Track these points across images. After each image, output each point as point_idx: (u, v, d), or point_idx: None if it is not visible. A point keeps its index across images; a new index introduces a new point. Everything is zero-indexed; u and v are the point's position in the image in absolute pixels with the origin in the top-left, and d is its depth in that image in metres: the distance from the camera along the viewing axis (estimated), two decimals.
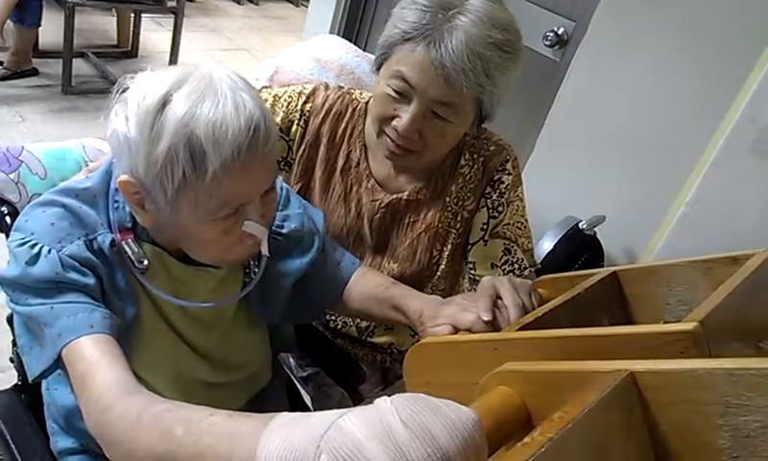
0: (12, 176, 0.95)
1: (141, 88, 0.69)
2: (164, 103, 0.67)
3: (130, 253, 0.77)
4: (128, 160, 0.70)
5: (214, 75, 0.70)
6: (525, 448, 0.39)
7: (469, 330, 0.75)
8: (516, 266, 1.07)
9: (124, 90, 0.71)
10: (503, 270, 1.06)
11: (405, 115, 0.95)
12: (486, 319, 0.74)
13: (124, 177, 0.71)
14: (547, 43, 1.89)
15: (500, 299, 0.77)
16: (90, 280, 0.72)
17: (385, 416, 0.41)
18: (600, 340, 0.54)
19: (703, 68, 1.55)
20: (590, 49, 1.76)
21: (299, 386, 1.26)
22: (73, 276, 0.71)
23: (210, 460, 0.50)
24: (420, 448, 0.39)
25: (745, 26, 1.47)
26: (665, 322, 0.73)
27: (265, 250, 0.80)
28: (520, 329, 0.68)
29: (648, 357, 0.47)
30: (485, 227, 1.08)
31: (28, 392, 0.95)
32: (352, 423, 0.41)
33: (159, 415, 0.56)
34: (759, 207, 1.42)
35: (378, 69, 1.01)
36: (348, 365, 1.18)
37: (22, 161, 0.97)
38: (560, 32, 1.88)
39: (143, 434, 0.56)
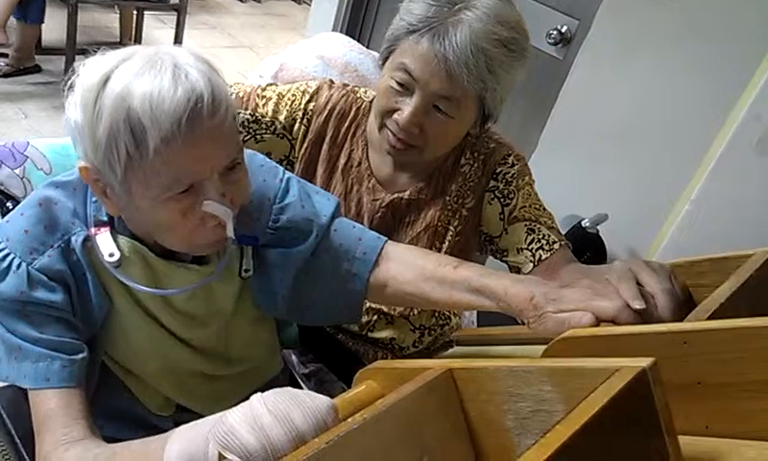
0: (17, 171, 0.95)
1: (87, 71, 0.68)
2: (105, 81, 0.65)
3: (101, 247, 0.75)
4: (81, 146, 0.69)
5: (160, 51, 0.68)
6: (344, 425, 0.50)
7: (613, 321, 0.64)
8: (545, 242, 1.02)
9: (77, 76, 0.69)
10: (531, 250, 1.02)
11: (407, 108, 0.95)
12: (638, 307, 0.64)
13: (82, 163, 0.70)
14: (551, 41, 1.89)
15: (640, 285, 0.68)
16: (58, 296, 0.73)
17: (255, 406, 0.53)
18: None
19: (707, 66, 1.55)
20: (594, 47, 1.75)
21: (301, 383, 1.26)
22: (39, 294, 0.72)
23: None
24: (280, 428, 0.51)
25: (750, 25, 1.47)
26: None
27: (230, 232, 0.73)
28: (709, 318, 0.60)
29: None
30: (502, 216, 1.06)
31: None
32: (231, 414, 0.53)
33: (92, 459, 0.67)
34: (764, 206, 1.42)
35: (384, 63, 1.01)
36: (350, 361, 1.17)
37: (27, 157, 0.97)
38: (563, 30, 1.88)
39: None
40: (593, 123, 1.81)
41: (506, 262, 1.08)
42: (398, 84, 0.95)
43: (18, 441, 0.86)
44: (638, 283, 0.68)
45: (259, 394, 0.55)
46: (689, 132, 1.60)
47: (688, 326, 0.58)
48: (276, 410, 0.52)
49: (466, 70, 0.90)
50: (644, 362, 0.44)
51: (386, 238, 0.90)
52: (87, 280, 0.76)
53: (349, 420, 0.51)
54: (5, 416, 0.89)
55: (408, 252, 0.89)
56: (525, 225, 1.04)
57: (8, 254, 0.72)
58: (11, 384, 0.96)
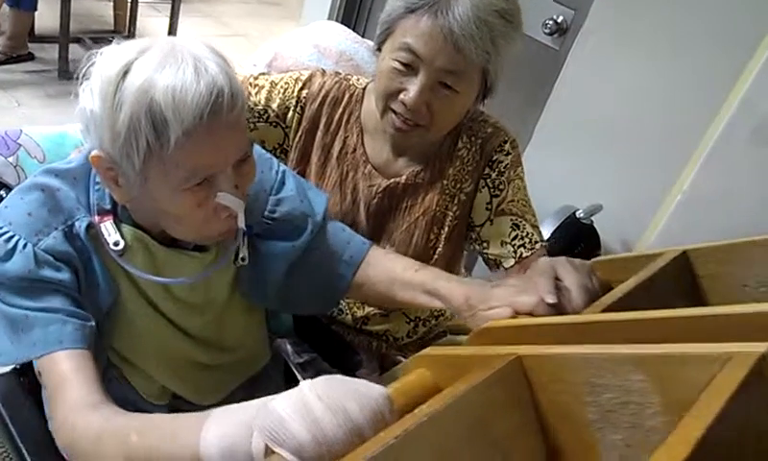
0: (10, 159, 0.95)
1: (105, 61, 0.68)
2: (125, 72, 0.66)
3: (105, 235, 0.76)
4: (96, 135, 0.70)
5: (177, 43, 0.69)
6: (412, 417, 0.44)
7: (531, 314, 0.69)
8: (527, 240, 1.05)
9: (92, 65, 0.70)
10: (513, 246, 1.05)
11: (413, 88, 0.95)
12: (550, 301, 0.68)
13: (95, 152, 0.70)
14: (547, 31, 1.89)
15: (559, 280, 0.72)
16: (65, 275, 0.73)
17: (305, 395, 0.47)
18: (698, 321, 0.51)
19: (702, 57, 1.55)
20: (590, 37, 1.75)
21: (296, 372, 1.26)
22: (46, 273, 0.71)
23: (159, 458, 0.56)
24: (334, 419, 0.46)
25: (744, 15, 1.47)
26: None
27: (242, 223, 0.76)
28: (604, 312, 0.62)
29: (747, 340, 0.44)
30: (489, 206, 1.07)
31: (27, 375, 0.95)
32: (278, 403, 0.48)
33: (117, 428, 0.63)
34: (757, 196, 1.43)
35: (380, 47, 1.01)
36: (345, 351, 1.18)
37: (21, 145, 0.96)
38: (559, 20, 1.88)
39: (104, 447, 0.62)
40: (588, 113, 1.81)
41: (485, 255, 1.09)
42: (402, 64, 0.95)
43: (13, 429, 0.86)
44: (558, 279, 0.72)
45: (309, 381, 0.49)
46: (683, 122, 1.60)
47: (581, 318, 0.62)
48: (328, 399, 0.47)
49: (472, 43, 0.91)
50: (762, 347, 0.40)
51: (371, 242, 0.96)
52: (94, 266, 0.77)
53: (416, 412, 0.45)
54: (0, 406, 0.89)
55: (385, 256, 0.94)
56: (511, 219, 1.06)
57: (12, 236, 0.72)
58: (5, 373, 0.96)
